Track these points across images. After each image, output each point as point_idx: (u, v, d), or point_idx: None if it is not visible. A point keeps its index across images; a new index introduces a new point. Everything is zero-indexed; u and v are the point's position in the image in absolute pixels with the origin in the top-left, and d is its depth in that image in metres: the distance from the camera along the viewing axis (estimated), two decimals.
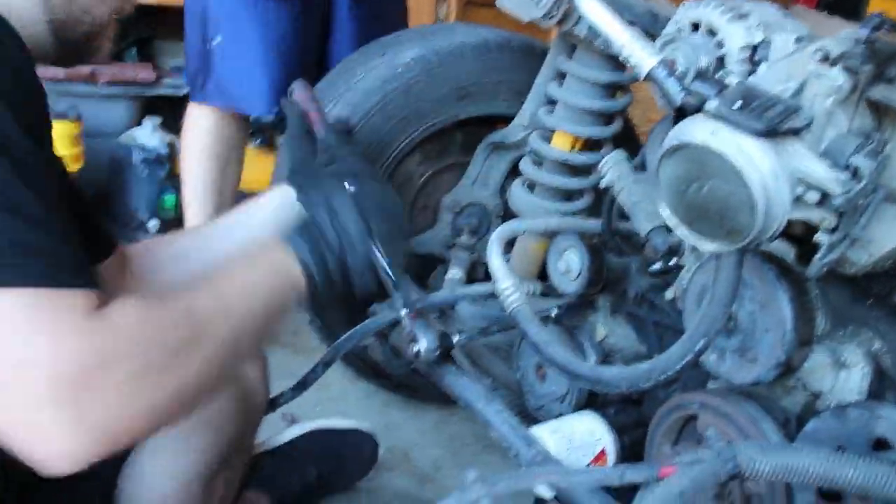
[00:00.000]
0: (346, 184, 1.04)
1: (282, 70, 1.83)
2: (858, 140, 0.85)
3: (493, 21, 1.81)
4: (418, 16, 2.97)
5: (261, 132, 2.70)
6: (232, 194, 2.08)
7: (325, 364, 1.34)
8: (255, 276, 0.93)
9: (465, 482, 0.88)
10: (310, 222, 1.01)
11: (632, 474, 0.88)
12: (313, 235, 0.98)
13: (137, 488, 1.16)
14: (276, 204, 1.16)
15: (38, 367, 0.70)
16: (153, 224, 2.42)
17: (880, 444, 0.93)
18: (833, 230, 0.86)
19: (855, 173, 0.83)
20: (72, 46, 0.95)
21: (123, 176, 2.39)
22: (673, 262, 1.25)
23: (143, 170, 2.38)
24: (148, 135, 2.44)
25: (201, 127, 1.96)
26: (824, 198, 0.83)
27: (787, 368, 1.04)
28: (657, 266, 1.33)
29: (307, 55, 1.91)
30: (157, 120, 2.48)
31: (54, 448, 0.71)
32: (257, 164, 2.39)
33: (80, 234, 1.03)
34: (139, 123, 2.54)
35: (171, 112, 2.61)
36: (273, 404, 1.48)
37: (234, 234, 1.17)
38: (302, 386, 1.36)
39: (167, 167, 2.43)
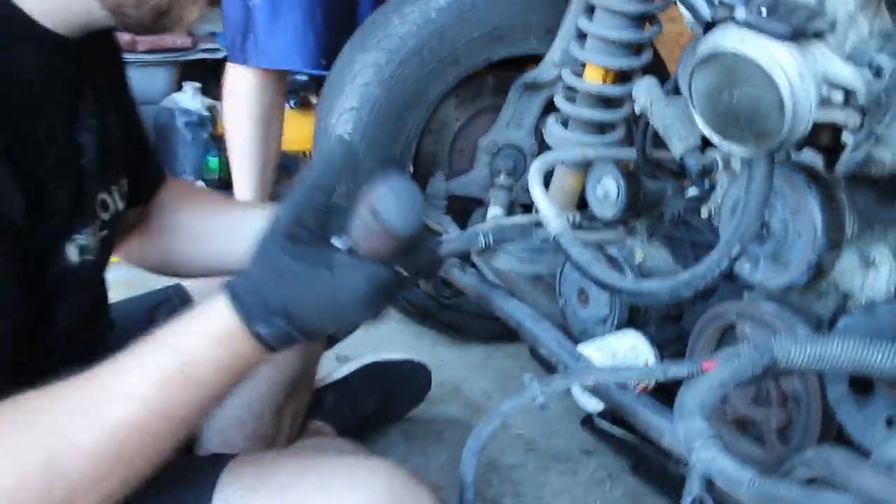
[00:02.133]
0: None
1: (322, 24, 1.89)
2: (880, 41, 0.89)
3: None
4: None
5: (295, 93, 2.77)
6: (275, 153, 2.16)
7: None
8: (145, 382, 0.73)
9: (523, 384, 0.95)
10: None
11: (675, 370, 0.94)
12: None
13: (214, 417, 1.24)
14: None
15: None
16: (199, 185, 2.51)
17: None
18: (858, 129, 0.90)
19: (878, 72, 0.87)
20: (141, 23, 0.84)
21: (168, 139, 2.48)
22: (706, 182, 1.31)
23: (187, 133, 2.46)
24: (189, 99, 2.52)
25: (243, 88, 2.03)
26: (848, 97, 0.87)
27: (819, 271, 1.09)
28: (693, 190, 1.38)
29: (340, 9, 1.96)
30: (197, 84, 2.56)
31: None
32: (294, 125, 2.46)
33: (136, 164, 1.04)
34: (178, 88, 2.62)
35: (206, 76, 2.68)
36: (331, 340, 1.56)
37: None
38: None
39: (209, 129, 2.51)
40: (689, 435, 0.87)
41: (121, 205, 0.96)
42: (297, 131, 2.46)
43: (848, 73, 0.86)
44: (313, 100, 2.76)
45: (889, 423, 1.01)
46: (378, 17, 1.71)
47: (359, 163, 0.74)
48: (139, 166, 1.05)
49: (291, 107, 2.79)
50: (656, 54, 1.71)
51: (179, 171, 2.50)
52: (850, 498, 0.75)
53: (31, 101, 0.77)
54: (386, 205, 0.73)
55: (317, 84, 2.63)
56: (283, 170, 2.40)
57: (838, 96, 0.88)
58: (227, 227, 1.10)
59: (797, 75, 0.84)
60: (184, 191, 1.17)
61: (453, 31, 1.65)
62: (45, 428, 0.68)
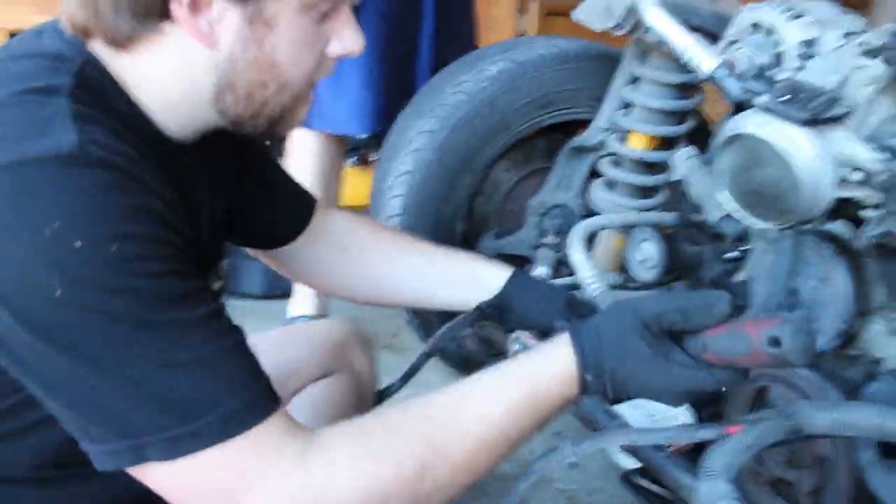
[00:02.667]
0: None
1: (380, 90, 2.00)
2: None
3: (572, 30, 1.93)
4: (500, 29, 3.11)
5: (356, 150, 2.88)
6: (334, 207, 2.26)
7: (428, 354, 1.47)
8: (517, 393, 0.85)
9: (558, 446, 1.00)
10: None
11: (703, 433, 0.98)
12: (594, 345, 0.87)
13: None
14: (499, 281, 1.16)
15: None
16: None
17: None
18: (879, 206, 0.95)
19: (894, 153, 0.92)
20: (256, 131, 0.88)
21: None
22: (743, 247, 1.35)
23: None
24: None
25: (305, 150, 2.15)
26: (868, 177, 0.92)
27: (849, 338, 1.12)
28: (731, 253, 1.43)
29: (398, 75, 2.07)
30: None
31: None
32: (355, 181, 2.57)
33: (283, 197, 1.12)
34: None
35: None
36: (382, 396, 1.62)
37: (447, 284, 1.19)
38: (408, 376, 1.49)
39: None
40: (711, 496, 0.91)
41: (216, 285, 1.02)
42: (358, 187, 2.56)
43: (866, 155, 0.91)
44: (373, 157, 2.87)
45: None
46: (432, 86, 1.80)
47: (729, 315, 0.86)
48: (283, 205, 1.13)
49: (355, 163, 2.91)
50: (702, 120, 1.77)
51: None
52: None
53: (156, 189, 0.79)
54: (791, 340, 0.83)
55: (377, 142, 2.73)
56: None
57: (857, 176, 0.93)
58: (405, 262, 1.20)
59: (814, 157, 0.89)
60: (361, 224, 1.23)
61: (504, 100, 1.74)
62: (418, 439, 0.80)
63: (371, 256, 1.20)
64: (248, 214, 1.10)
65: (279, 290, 2.36)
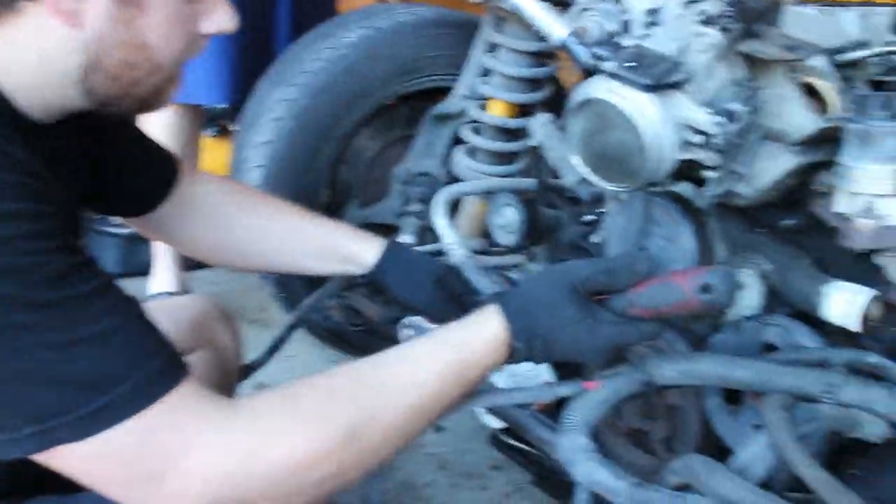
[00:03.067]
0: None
1: (238, 59, 1.94)
2: (734, 89, 0.99)
3: None
4: None
5: (214, 122, 2.79)
6: None
7: (293, 326, 1.46)
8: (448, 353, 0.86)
9: None
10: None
11: (560, 389, 1.02)
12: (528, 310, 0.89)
13: None
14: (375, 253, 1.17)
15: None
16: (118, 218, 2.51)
17: (769, 349, 1.08)
18: (718, 167, 1.00)
19: (731, 117, 0.97)
20: (123, 112, 0.87)
21: None
22: (598, 209, 1.40)
23: None
24: None
25: (162, 121, 2.06)
26: (707, 140, 0.97)
27: None
28: (587, 216, 1.48)
29: (256, 43, 2.02)
30: None
31: None
32: (214, 153, 2.49)
33: (146, 162, 1.12)
34: None
35: None
36: (247, 370, 1.60)
37: (309, 245, 1.20)
38: (274, 349, 1.48)
39: None
40: (570, 450, 0.95)
41: None
42: (217, 159, 2.49)
43: (705, 119, 0.96)
44: (232, 127, 2.79)
45: (757, 428, 1.11)
46: (291, 54, 1.77)
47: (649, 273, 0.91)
48: (147, 169, 1.12)
49: (214, 134, 2.82)
50: (560, 88, 1.82)
51: None
52: (708, 501, 0.84)
53: (26, 165, 0.76)
54: (721, 285, 0.88)
55: (235, 112, 2.66)
56: None
57: (698, 139, 0.97)
58: (272, 229, 1.19)
59: (658, 121, 0.93)
60: (231, 189, 1.23)
61: (364, 67, 1.73)
62: (348, 402, 0.79)
63: (240, 223, 1.19)
64: (112, 183, 1.07)
65: (135, 269, 2.28)
